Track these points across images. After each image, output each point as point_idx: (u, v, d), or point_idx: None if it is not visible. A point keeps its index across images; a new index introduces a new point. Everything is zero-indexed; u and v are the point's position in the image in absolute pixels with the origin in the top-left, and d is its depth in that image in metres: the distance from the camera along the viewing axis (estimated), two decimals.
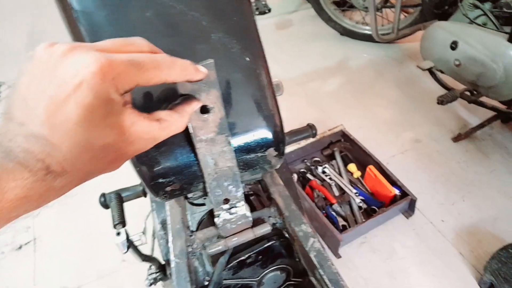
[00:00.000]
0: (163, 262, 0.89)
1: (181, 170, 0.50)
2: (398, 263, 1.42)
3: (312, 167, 1.70)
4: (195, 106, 0.40)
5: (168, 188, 0.51)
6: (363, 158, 1.68)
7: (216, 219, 0.55)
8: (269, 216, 0.60)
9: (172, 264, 0.53)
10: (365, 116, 2.04)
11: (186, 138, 0.48)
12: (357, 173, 1.67)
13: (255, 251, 0.60)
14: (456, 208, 1.59)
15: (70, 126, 0.27)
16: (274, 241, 0.61)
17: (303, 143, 1.70)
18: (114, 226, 0.75)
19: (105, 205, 0.81)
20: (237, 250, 0.61)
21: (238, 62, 0.50)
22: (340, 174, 1.67)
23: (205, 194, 0.56)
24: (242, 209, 0.55)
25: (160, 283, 1.04)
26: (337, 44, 2.61)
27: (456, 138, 1.86)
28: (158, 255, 0.95)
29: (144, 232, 1.08)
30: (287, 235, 0.63)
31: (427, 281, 1.37)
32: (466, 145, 1.85)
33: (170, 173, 0.50)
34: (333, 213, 1.50)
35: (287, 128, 1.06)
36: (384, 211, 1.45)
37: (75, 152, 0.27)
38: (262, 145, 0.53)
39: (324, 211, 1.50)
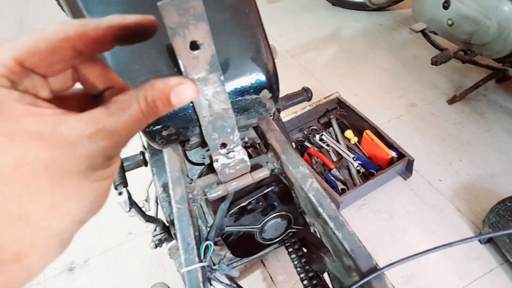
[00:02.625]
0: (167, 224, 0.91)
1: (176, 113, 0.51)
2: (397, 222, 1.45)
3: (310, 135, 1.71)
4: None
5: (164, 133, 0.52)
6: (359, 124, 1.69)
7: (214, 164, 0.55)
8: (267, 162, 0.61)
9: (174, 209, 0.54)
10: (360, 83, 2.04)
11: None
12: (354, 139, 1.68)
13: (255, 197, 0.61)
14: (453, 168, 1.61)
15: None
16: (273, 187, 0.62)
17: (299, 111, 1.70)
18: (116, 187, 0.76)
19: None
20: (237, 197, 0.62)
21: (225, 1, 0.50)
22: (337, 141, 1.68)
23: (203, 141, 0.56)
24: (240, 153, 0.56)
25: (166, 249, 1.06)
26: (329, 15, 2.59)
27: (451, 100, 1.86)
28: (162, 218, 0.97)
29: (147, 200, 1.10)
30: (286, 181, 0.64)
31: (427, 237, 1.39)
32: (461, 106, 1.86)
33: (164, 118, 0.50)
34: (332, 177, 1.52)
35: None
36: (382, 173, 1.47)
37: None
38: (255, 87, 0.53)
39: (323, 177, 1.52)
